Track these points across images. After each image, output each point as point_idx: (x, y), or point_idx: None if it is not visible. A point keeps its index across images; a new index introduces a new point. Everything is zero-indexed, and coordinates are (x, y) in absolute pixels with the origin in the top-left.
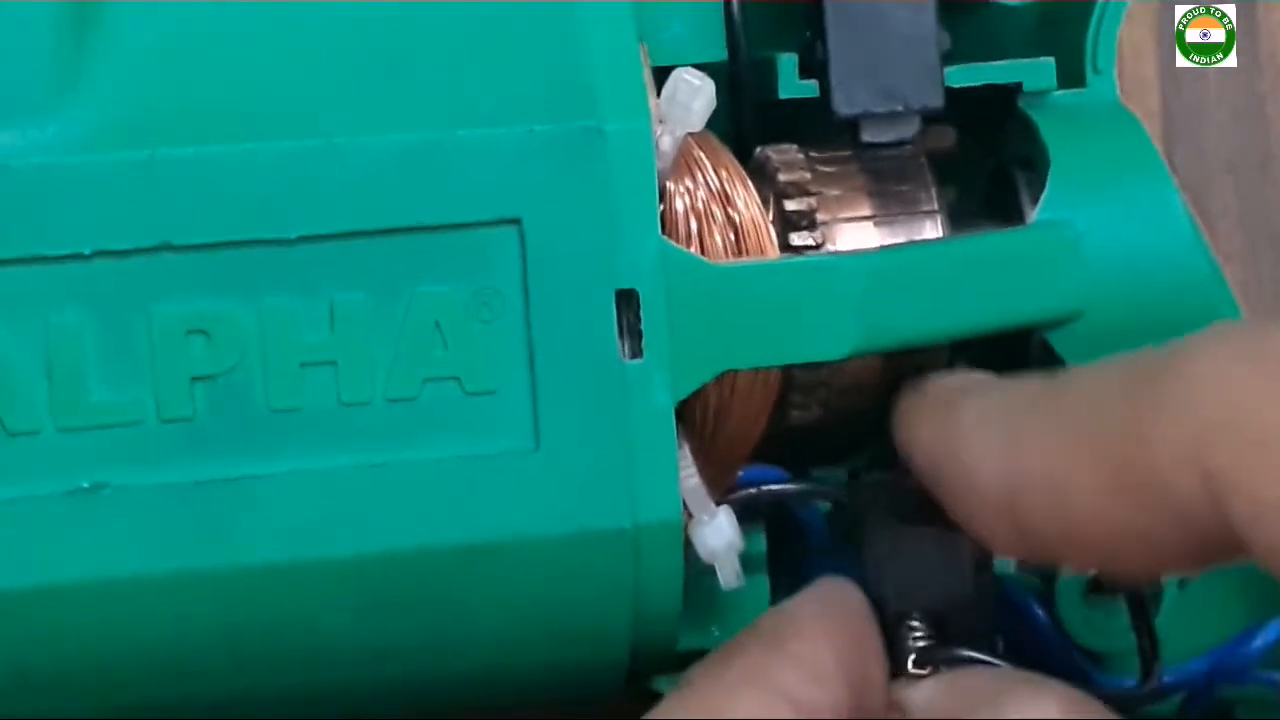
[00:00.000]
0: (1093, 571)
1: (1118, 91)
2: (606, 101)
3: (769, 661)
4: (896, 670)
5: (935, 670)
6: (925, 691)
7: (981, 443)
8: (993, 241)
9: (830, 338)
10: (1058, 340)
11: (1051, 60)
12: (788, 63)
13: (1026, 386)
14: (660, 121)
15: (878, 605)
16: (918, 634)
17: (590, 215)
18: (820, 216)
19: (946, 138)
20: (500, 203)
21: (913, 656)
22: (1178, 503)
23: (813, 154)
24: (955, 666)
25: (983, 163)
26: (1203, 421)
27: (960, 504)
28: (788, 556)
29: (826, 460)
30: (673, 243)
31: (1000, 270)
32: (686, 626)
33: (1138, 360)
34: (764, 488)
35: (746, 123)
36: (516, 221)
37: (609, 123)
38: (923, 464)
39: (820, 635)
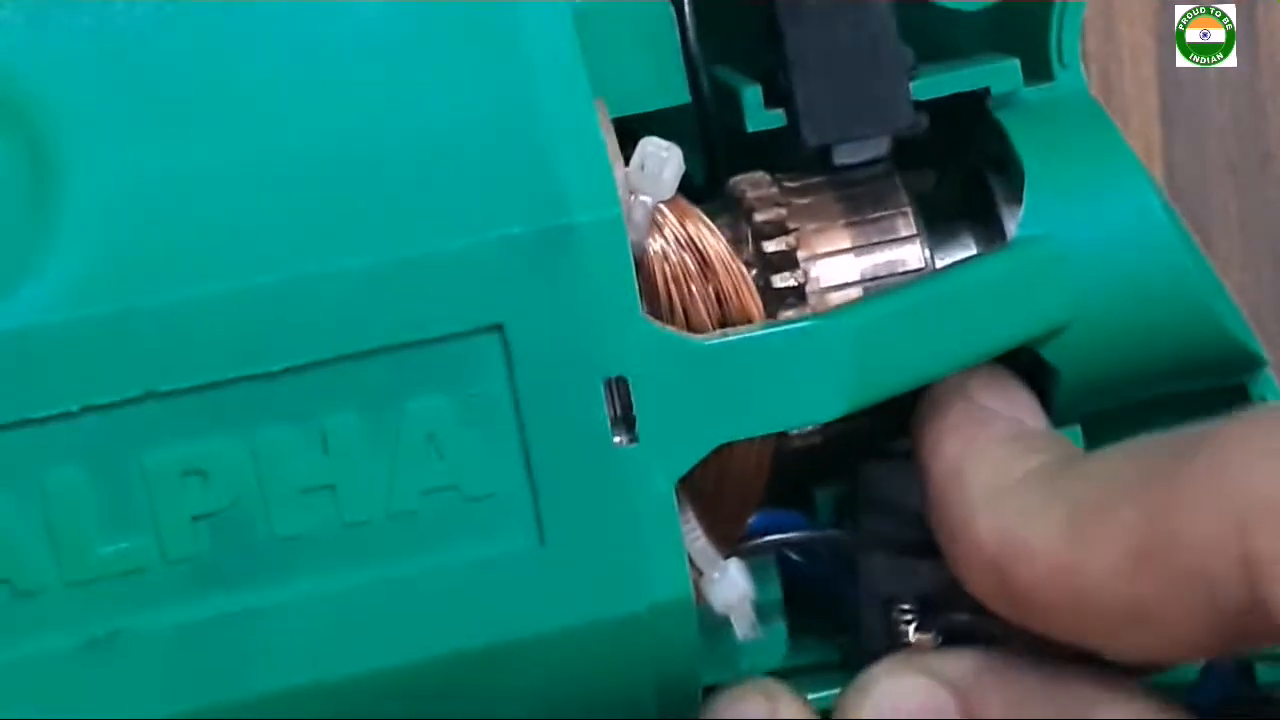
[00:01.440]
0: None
1: (1086, 82)
2: (575, 194)
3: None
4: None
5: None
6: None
7: (986, 503)
8: (977, 270)
9: (823, 400)
10: (1048, 352)
11: (1016, 61)
12: (753, 95)
13: (1052, 451)
14: (631, 192)
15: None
16: (907, 615)
17: (571, 309)
18: (800, 254)
19: (926, 180)
20: (480, 310)
21: (914, 626)
22: (1210, 583)
23: (786, 184)
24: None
25: (956, 165)
26: (1244, 505)
27: (953, 547)
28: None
29: (829, 478)
30: (656, 322)
31: (987, 298)
32: (709, 664)
33: (1172, 441)
34: (771, 539)
35: (717, 157)
36: (498, 327)
37: (580, 214)
38: (933, 483)
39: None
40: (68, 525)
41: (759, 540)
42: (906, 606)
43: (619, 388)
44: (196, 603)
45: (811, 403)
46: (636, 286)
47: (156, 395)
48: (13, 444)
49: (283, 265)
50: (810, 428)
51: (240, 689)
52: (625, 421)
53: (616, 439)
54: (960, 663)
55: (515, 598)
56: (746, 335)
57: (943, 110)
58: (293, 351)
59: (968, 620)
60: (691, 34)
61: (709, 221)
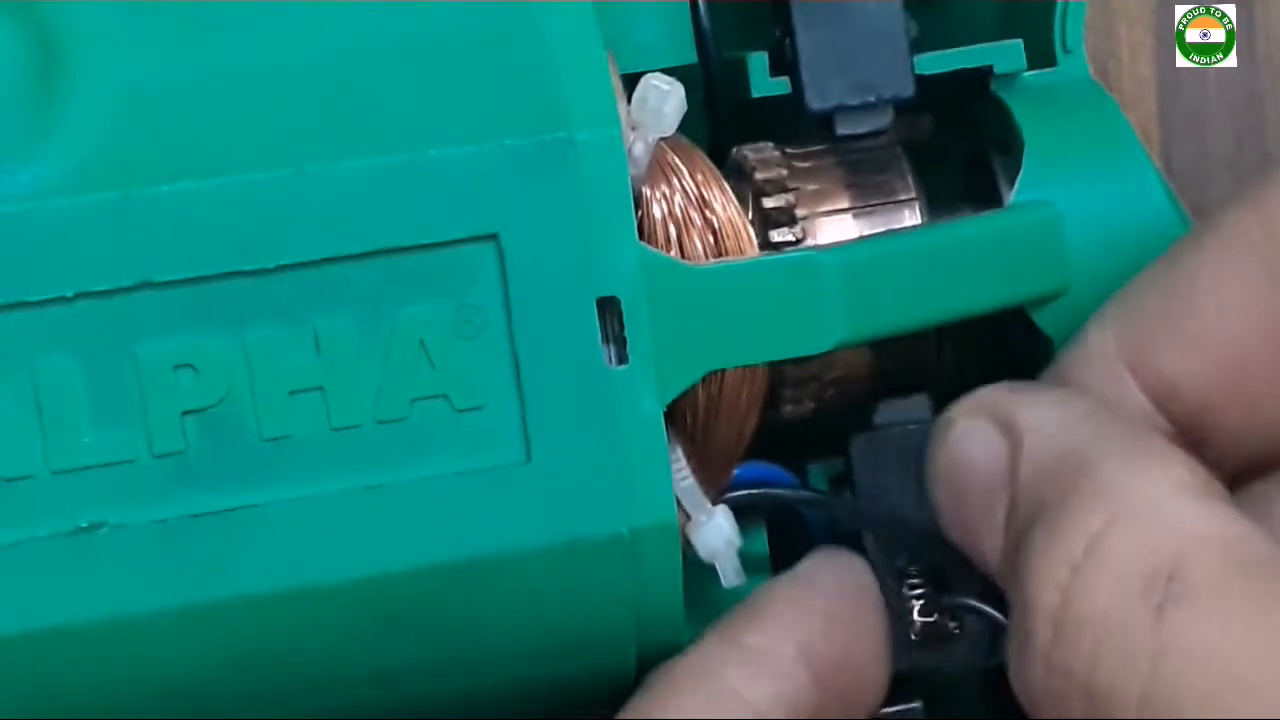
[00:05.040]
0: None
1: (1089, 69)
2: (576, 110)
3: (720, 655)
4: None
5: (941, 617)
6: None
7: (1094, 322)
8: (973, 225)
9: (814, 332)
10: (1042, 319)
11: (1019, 42)
12: (758, 61)
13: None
14: (632, 128)
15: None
16: (916, 588)
17: (567, 225)
18: (799, 212)
19: (923, 127)
20: (477, 219)
21: (917, 607)
22: None
23: (789, 150)
24: (961, 614)
25: (959, 149)
26: None
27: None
28: (789, 549)
29: (822, 452)
30: (651, 248)
31: (982, 253)
32: (692, 627)
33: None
34: (762, 491)
35: (721, 123)
36: (494, 237)
37: (580, 132)
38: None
39: (781, 624)
40: (56, 412)
41: (750, 491)
42: (915, 581)
43: (611, 307)
44: (180, 499)
45: (802, 334)
46: (633, 209)
47: (152, 285)
48: (5, 327)
49: (283, 161)
50: (800, 407)
51: (220, 588)
52: (616, 342)
53: (607, 359)
54: (1031, 407)
55: (498, 512)
56: (739, 262)
57: (946, 94)
58: (289, 249)
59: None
60: None
61: (709, 162)
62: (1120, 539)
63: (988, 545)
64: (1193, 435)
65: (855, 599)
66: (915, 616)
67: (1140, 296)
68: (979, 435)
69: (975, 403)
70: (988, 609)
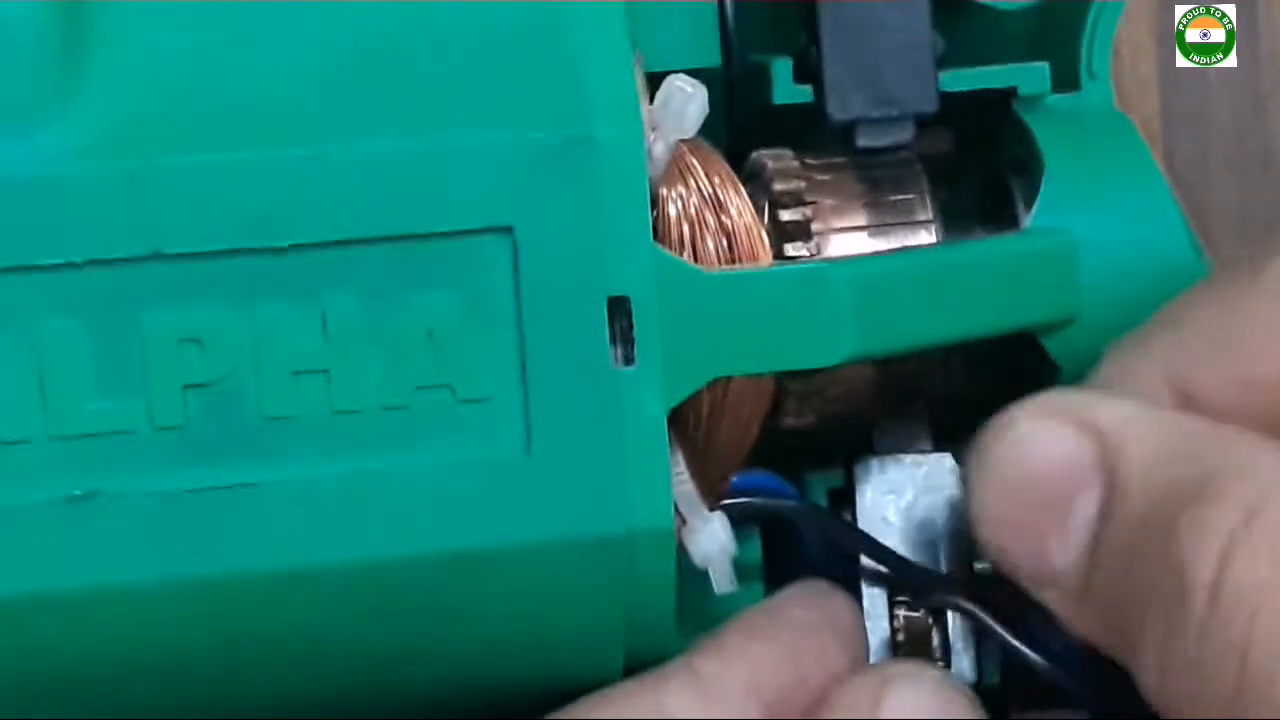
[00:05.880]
0: None
1: (1113, 96)
2: (599, 108)
3: (671, 676)
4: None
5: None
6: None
7: (1143, 342)
8: (987, 247)
9: (823, 344)
10: (1052, 345)
11: (1045, 64)
12: (782, 67)
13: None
14: (653, 128)
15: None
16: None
17: (582, 222)
18: (815, 227)
19: (943, 142)
20: (492, 210)
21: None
22: None
23: (808, 160)
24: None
25: (978, 167)
26: None
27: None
28: (784, 561)
29: (820, 463)
30: (665, 249)
31: (995, 276)
32: (682, 634)
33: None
34: (759, 500)
35: (741, 128)
36: (509, 229)
37: (601, 130)
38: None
39: (738, 653)
40: (59, 377)
41: (747, 500)
42: (903, 599)
43: (621, 307)
44: (178, 473)
45: (812, 346)
46: (649, 210)
47: (163, 257)
48: (13, 288)
49: (303, 140)
50: (802, 420)
51: (212, 563)
52: (624, 342)
53: (613, 358)
54: (1111, 409)
55: (495, 505)
56: (752, 270)
57: (968, 112)
58: (302, 229)
59: (958, 601)
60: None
61: (726, 165)
62: (1277, 510)
63: (1056, 545)
64: None
65: (824, 632)
66: (901, 617)
67: (1192, 336)
68: (1051, 434)
69: (1039, 405)
70: (975, 609)
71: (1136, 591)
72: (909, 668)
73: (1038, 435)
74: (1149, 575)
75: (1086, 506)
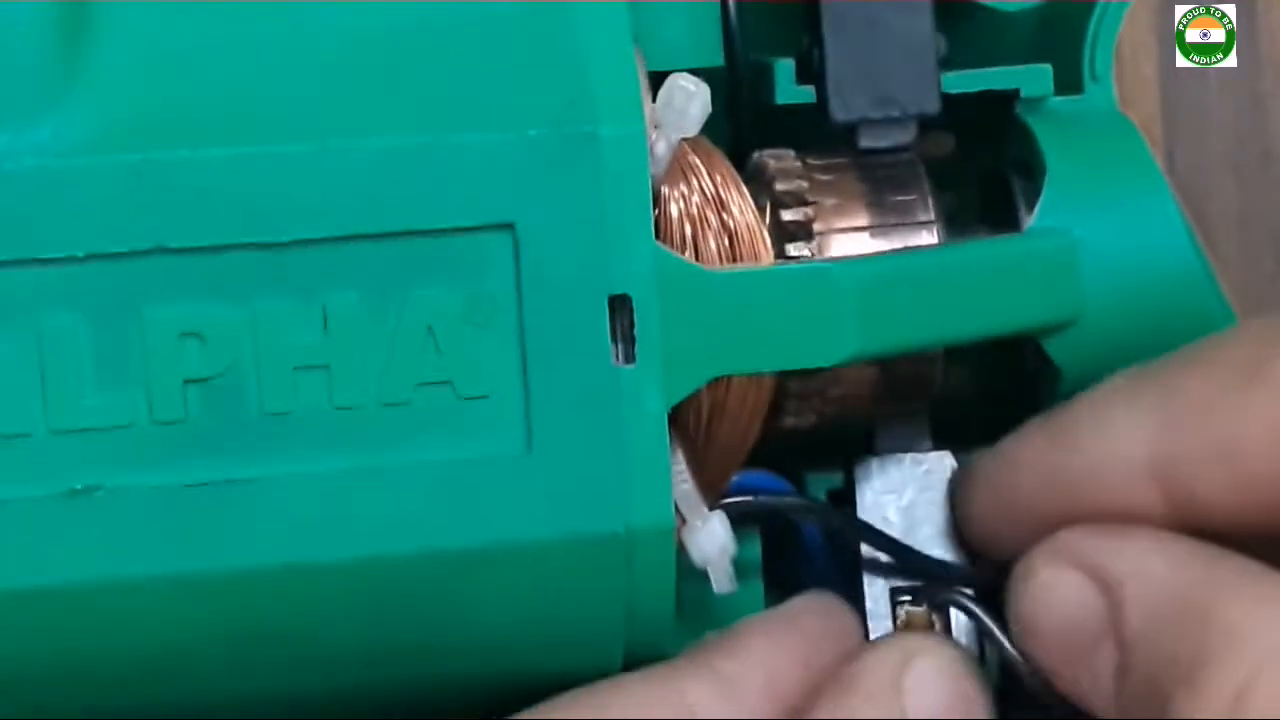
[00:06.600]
0: None
1: (1115, 98)
2: (602, 105)
3: (688, 673)
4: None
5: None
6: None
7: (1127, 416)
8: (989, 248)
9: (825, 344)
10: (1053, 347)
11: (1048, 66)
12: (784, 68)
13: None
14: (655, 126)
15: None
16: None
17: (584, 220)
18: (816, 227)
19: (945, 144)
20: (494, 207)
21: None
22: None
23: (810, 160)
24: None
25: (979, 169)
26: None
27: (1098, 484)
28: (784, 562)
29: (820, 463)
30: (667, 248)
31: (996, 277)
32: (680, 633)
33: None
34: (759, 499)
35: (743, 127)
36: (510, 226)
37: (604, 127)
38: (1031, 481)
39: (755, 656)
40: (60, 371)
41: (746, 499)
42: (907, 597)
43: (623, 305)
44: (177, 468)
45: (813, 346)
46: (651, 208)
47: (165, 251)
48: (14, 282)
49: (305, 136)
50: (802, 419)
51: (208, 560)
52: (625, 340)
53: (614, 357)
54: (1119, 556)
55: (495, 502)
56: (754, 269)
57: (970, 114)
58: (304, 224)
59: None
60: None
61: (729, 164)
62: (1268, 687)
63: (1088, 689)
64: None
65: (835, 645)
66: (904, 611)
67: (1182, 413)
68: (1068, 586)
69: (1056, 549)
70: (976, 608)
71: None
72: (929, 642)
73: (1055, 585)
74: None
75: (1105, 662)
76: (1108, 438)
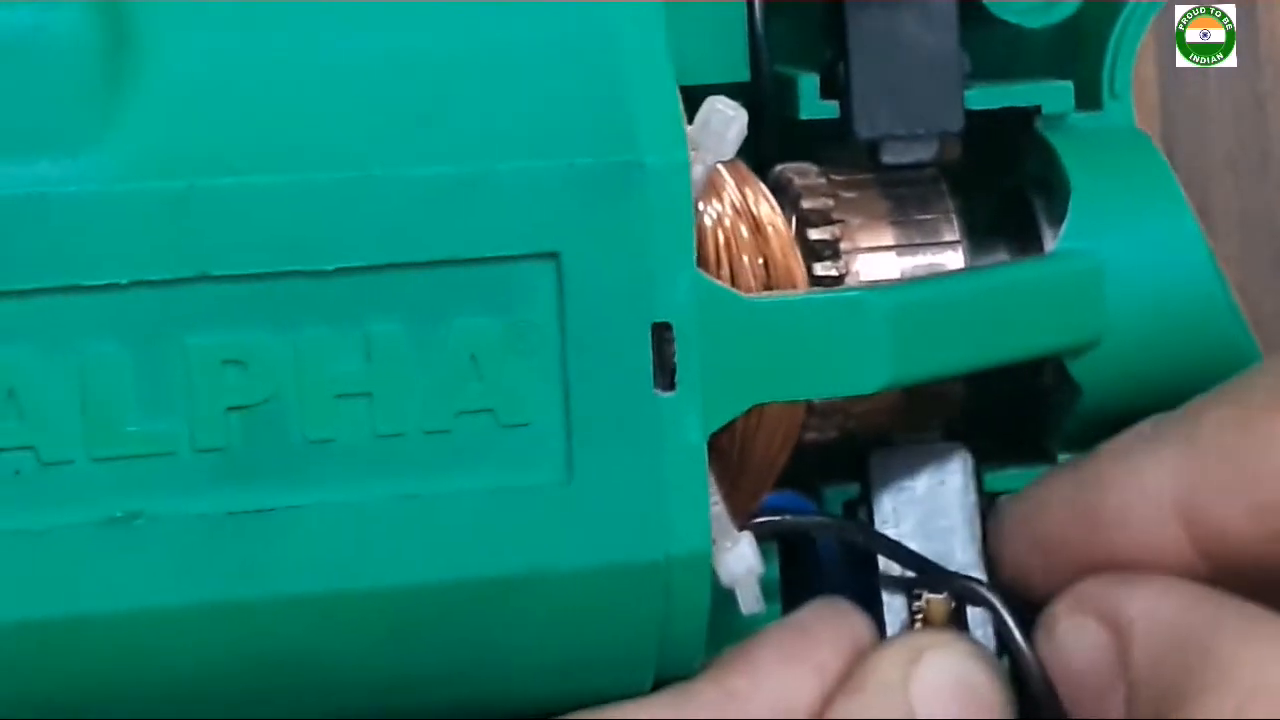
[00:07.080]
0: None
1: (1134, 116)
2: (645, 134)
3: (702, 694)
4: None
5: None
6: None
7: (1152, 458)
8: (1017, 272)
9: (861, 372)
10: (1075, 367)
11: (1070, 83)
12: (809, 83)
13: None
14: (693, 149)
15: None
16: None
17: (628, 249)
18: (843, 246)
19: (954, 150)
20: (538, 236)
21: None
22: None
23: (834, 176)
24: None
25: (997, 182)
26: None
27: (1125, 525)
28: (800, 577)
29: (837, 475)
30: (706, 275)
31: (1025, 301)
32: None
33: None
34: (786, 518)
35: (766, 141)
36: (554, 255)
37: (649, 156)
38: (1059, 524)
39: (767, 671)
40: (101, 399)
41: (772, 519)
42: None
43: (664, 334)
44: (219, 495)
45: (851, 374)
46: (694, 236)
47: (209, 279)
48: (58, 309)
49: (350, 164)
50: (824, 436)
51: (249, 588)
52: (666, 369)
53: (655, 386)
54: (1132, 598)
55: (535, 531)
56: (793, 297)
57: (990, 128)
58: (348, 253)
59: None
60: (759, 14)
61: (765, 188)
62: (1258, 715)
63: None
64: (1230, 576)
65: (848, 652)
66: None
67: (1205, 452)
68: (1083, 632)
69: (1076, 598)
70: (994, 599)
71: None
72: (941, 638)
73: (1074, 633)
74: None
75: (1119, 704)
76: (1134, 480)
